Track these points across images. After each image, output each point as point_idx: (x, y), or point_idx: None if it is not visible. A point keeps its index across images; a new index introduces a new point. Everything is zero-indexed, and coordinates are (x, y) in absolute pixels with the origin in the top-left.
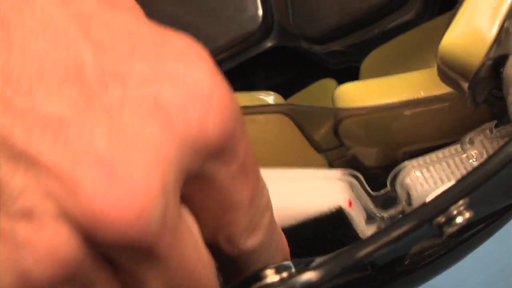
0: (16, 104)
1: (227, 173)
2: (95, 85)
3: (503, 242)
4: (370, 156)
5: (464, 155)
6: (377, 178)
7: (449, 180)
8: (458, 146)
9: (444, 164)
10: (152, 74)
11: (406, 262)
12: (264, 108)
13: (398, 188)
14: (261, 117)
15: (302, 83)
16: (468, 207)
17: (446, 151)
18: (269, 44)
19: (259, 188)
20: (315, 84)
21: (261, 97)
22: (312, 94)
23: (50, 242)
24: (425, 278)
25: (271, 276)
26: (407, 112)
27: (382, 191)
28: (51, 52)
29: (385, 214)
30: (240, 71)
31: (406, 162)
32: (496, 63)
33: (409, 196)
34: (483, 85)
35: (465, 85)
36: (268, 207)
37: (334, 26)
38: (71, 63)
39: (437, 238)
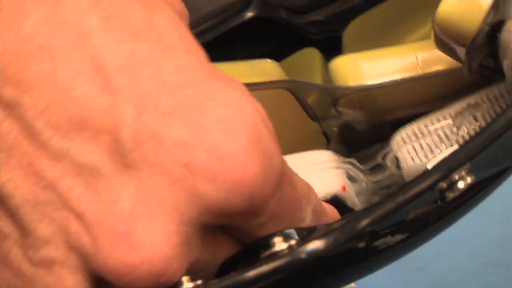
0: (53, 145)
1: (253, 223)
2: (129, 142)
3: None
4: (361, 122)
5: (454, 127)
6: (363, 135)
7: (440, 150)
8: (447, 117)
9: (434, 136)
10: (189, 140)
11: (402, 230)
12: (269, 85)
13: (388, 161)
14: (263, 93)
15: (282, 54)
16: (470, 172)
17: (436, 122)
18: (249, 14)
19: (295, 221)
20: (297, 53)
21: (259, 66)
22: (295, 64)
23: None
24: (418, 244)
25: (279, 244)
26: (404, 87)
27: (371, 165)
28: (94, 100)
29: (373, 179)
30: (221, 41)
31: (398, 137)
32: (493, 29)
33: (398, 167)
34: (480, 52)
35: (462, 51)
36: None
37: None
38: (112, 115)
39: (437, 203)
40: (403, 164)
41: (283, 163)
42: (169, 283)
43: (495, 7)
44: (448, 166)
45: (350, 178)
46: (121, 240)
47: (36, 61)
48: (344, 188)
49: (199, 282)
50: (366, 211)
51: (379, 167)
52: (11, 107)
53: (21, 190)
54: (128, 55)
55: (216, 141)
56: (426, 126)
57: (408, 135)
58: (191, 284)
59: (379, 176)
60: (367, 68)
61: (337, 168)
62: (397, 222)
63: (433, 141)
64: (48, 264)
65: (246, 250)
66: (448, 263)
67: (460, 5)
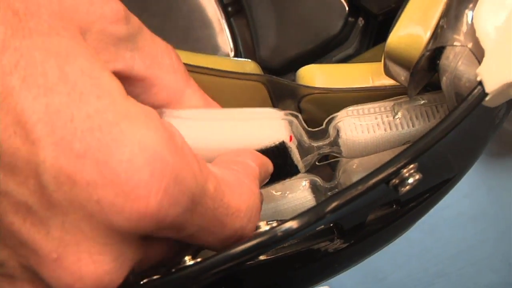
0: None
1: (182, 235)
2: (51, 184)
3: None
4: (316, 122)
5: (391, 116)
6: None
7: (374, 131)
8: (388, 106)
9: (373, 117)
10: (98, 180)
11: (366, 227)
12: (249, 76)
13: (331, 128)
14: (242, 82)
15: None
16: (418, 170)
17: (377, 107)
18: None
19: (231, 232)
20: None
21: (244, 64)
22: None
23: None
24: (380, 244)
25: (264, 227)
26: (358, 94)
27: (316, 129)
28: (19, 150)
29: (315, 144)
30: None
31: (344, 111)
32: (433, 56)
33: (338, 136)
34: (422, 76)
35: (407, 74)
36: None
37: (291, 59)
38: (33, 163)
39: (393, 207)
40: (342, 134)
41: (201, 184)
42: None
43: (434, 37)
44: (396, 164)
45: (296, 138)
46: (55, 265)
47: None
48: (291, 138)
49: (198, 259)
50: (331, 198)
51: (322, 133)
52: None
53: None
54: (44, 108)
55: (121, 179)
56: (369, 108)
57: (352, 111)
58: (192, 261)
59: (320, 142)
60: (329, 75)
61: (285, 119)
62: (361, 221)
63: (371, 122)
64: (9, 278)
65: None
66: (404, 274)
67: (406, 36)
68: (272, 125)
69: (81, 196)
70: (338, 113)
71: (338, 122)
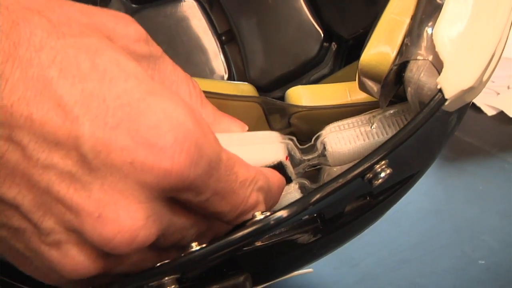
0: (41, 163)
1: (201, 198)
2: (90, 153)
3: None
4: (304, 134)
5: (368, 127)
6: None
7: (355, 142)
8: (364, 119)
9: (352, 131)
10: (130, 145)
11: (344, 217)
12: (246, 98)
13: (318, 143)
14: (241, 103)
15: None
16: (388, 166)
17: (355, 122)
18: None
19: (240, 199)
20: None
21: (241, 86)
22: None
23: (74, 262)
24: (354, 232)
25: (259, 216)
26: (338, 110)
27: (306, 145)
28: (61, 128)
29: (305, 157)
30: None
31: (327, 128)
32: (399, 69)
33: (325, 149)
34: (390, 88)
35: (378, 87)
36: (258, 191)
37: (276, 78)
38: (74, 137)
39: (366, 198)
40: (328, 147)
41: (217, 152)
42: (143, 245)
43: (400, 53)
44: (371, 159)
45: (290, 153)
46: (97, 222)
47: (18, 108)
48: (287, 158)
49: (204, 245)
50: (314, 191)
51: (311, 148)
52: (9, 141)
53: (27, 198)
54: (80, 93)
55: (150, 142)
56: (348, 123)
57: (335, 127)
58: (198, 247)
59: (310, 155)
60: (313, 94)
61: (283, 142)
62: (340, 211)
63: (351, 135)
64: (56, 244)
65: (239, 225)
66: (374, 260)
67: (376, 54)
68: (272, 148)
69: (117, 161)
70: (323, 131)
71: (324, 138)
